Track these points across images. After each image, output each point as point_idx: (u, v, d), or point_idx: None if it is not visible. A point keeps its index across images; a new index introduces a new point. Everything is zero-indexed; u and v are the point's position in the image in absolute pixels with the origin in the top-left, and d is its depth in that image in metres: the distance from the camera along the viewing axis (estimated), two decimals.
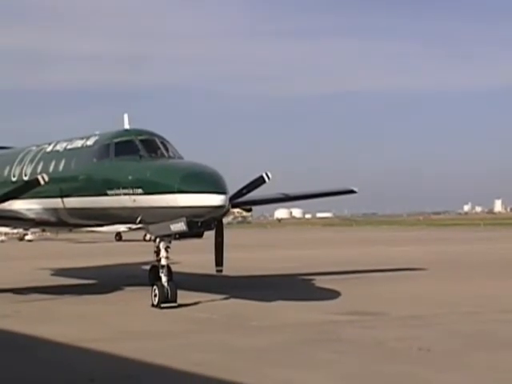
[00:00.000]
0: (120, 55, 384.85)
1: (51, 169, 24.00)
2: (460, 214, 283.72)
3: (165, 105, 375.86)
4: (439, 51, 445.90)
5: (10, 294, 24.31)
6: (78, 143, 23.90)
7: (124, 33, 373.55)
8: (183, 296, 21.23)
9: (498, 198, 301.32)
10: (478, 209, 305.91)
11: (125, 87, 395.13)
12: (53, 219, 24.40)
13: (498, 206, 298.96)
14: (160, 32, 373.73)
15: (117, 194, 20.67)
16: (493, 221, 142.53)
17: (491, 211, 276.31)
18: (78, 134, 24.73)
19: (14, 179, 25.79)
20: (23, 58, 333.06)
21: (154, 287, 20.53)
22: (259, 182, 24.52)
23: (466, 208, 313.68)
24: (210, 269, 24.86)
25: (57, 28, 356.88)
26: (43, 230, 51.64)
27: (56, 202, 23.57)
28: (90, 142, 23.19)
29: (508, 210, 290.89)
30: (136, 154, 21.03)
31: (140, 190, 19.82)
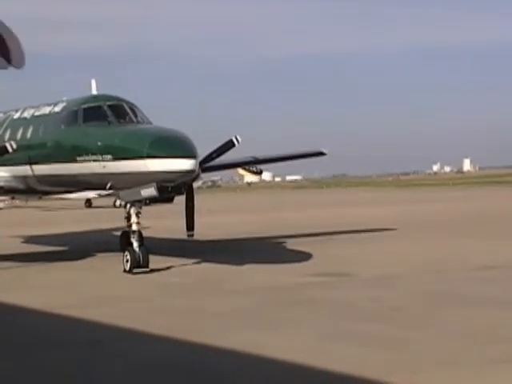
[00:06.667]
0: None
1: (19, 136, 23.79)
2: (429, 174, 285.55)
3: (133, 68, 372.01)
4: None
5: None
6: (46, 110, 23.69)
7: None
8: (155, 261, 21.26)
9: (467, 157, 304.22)
10: (447, 168, 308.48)
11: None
12: (22, 187, 24.25)
13: (466, 166, 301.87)
14: None
15: (86, 161, 20.55)
16: (462, 180, 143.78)
17: (460, 171, 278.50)
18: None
19: None
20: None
21: (126, 253, 20.53)
22: (229, 145, 24.44)
23: (435, 168, 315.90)
24: (181, 233, 24.88)
25: None
26: (12, 198, 51.08)
27: (25, 170, 23.41)
28: (57, 109, 22.99)
29: (477, 169, 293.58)
30: (104, 119, 20.90)
31: (109, 156, 19.72)
